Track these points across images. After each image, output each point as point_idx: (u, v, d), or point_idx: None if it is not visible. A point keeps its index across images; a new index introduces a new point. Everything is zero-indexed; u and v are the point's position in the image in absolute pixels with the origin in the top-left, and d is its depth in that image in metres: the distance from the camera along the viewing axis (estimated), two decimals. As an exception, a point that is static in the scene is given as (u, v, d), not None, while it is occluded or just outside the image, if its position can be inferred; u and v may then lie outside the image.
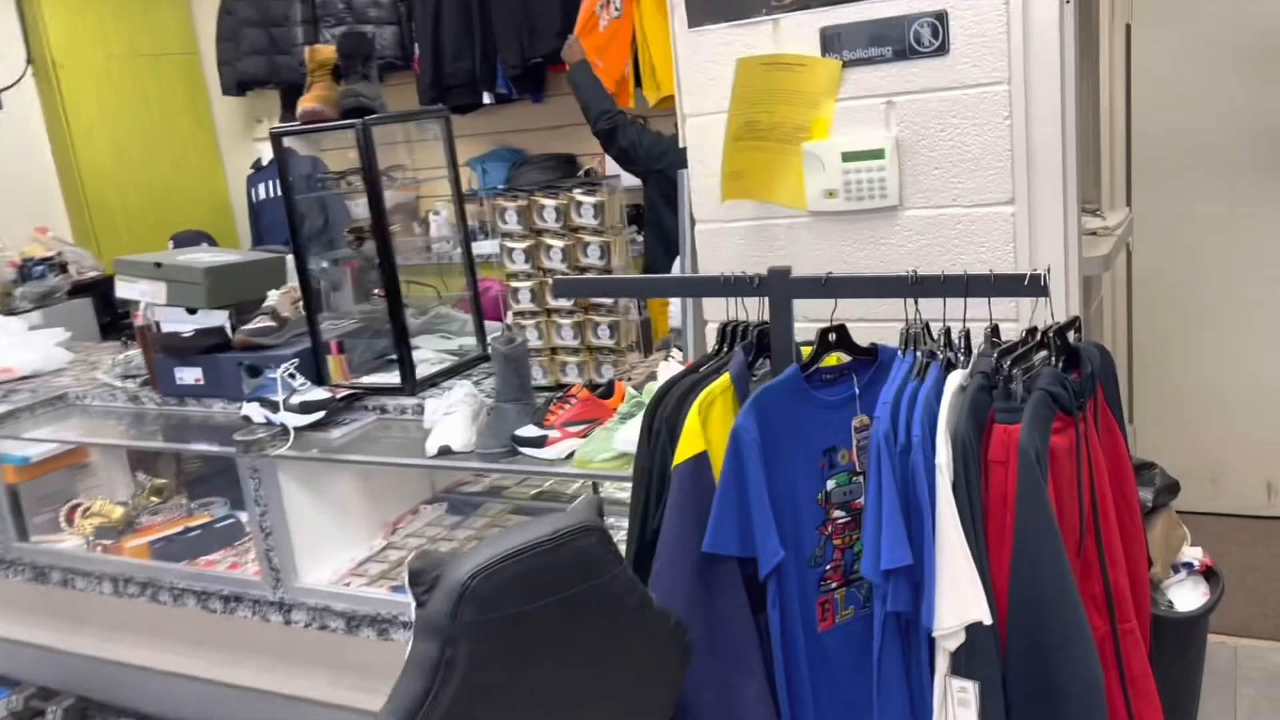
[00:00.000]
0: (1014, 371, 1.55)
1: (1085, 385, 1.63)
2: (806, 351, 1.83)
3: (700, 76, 2.00)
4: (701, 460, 1.69)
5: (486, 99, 5.17)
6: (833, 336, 1.74)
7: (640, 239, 3.90)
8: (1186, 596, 2.10)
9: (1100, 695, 1.52)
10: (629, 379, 2.33)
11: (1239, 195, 3.38)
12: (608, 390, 2.19)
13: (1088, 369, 1.64)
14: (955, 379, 1.59)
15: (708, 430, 1.70)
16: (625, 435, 1.95)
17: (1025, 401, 1.54)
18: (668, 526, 1.69)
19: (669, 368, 1.98)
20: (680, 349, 2.29)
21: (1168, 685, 1.76)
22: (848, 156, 1.89)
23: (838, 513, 1.76)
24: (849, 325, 1.75)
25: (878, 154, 1.87)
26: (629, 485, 1.84)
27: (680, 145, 2.07)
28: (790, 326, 1.75)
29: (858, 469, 1.76)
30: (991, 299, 1.60)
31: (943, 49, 1.79)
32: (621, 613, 1.37)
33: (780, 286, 1.74)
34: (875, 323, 1.94)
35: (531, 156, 5.59)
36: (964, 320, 1.65)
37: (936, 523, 1.51)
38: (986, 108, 1.77)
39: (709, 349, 2.11)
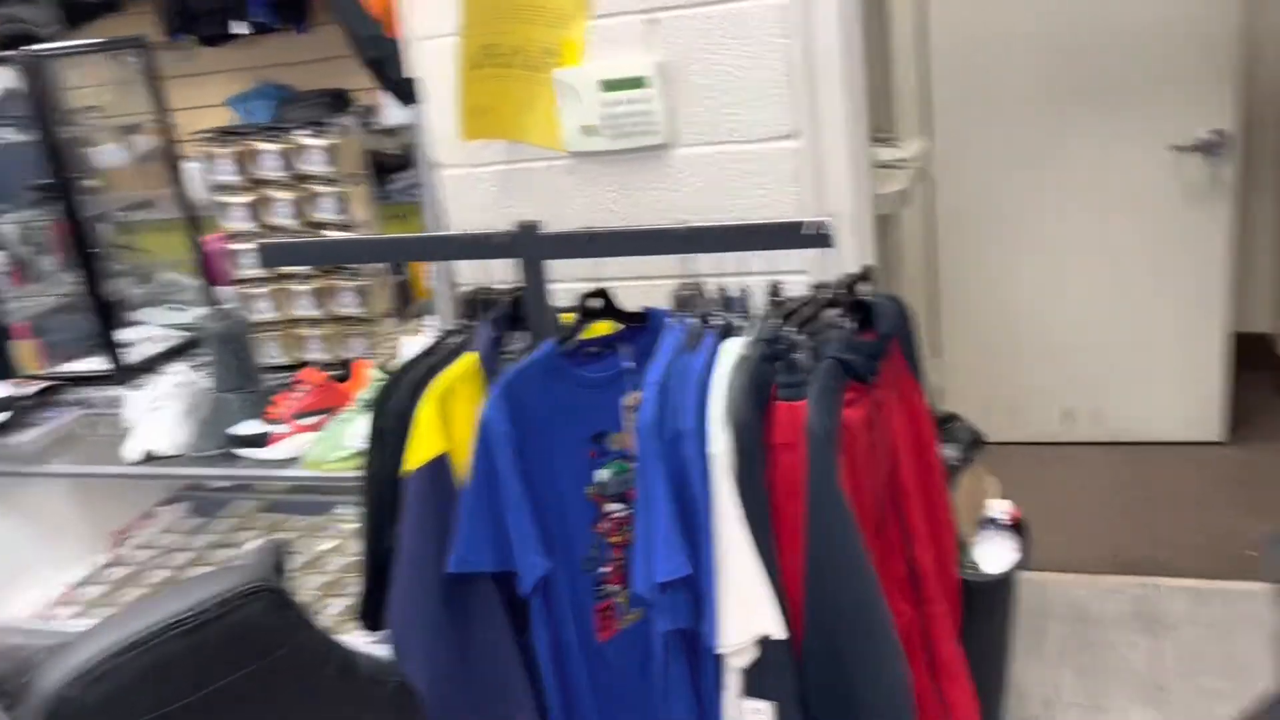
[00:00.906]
0: (799, 337, 1.31)
1: (879, 346, 1.42)
2: (569, 321, 1.55)
3: (426, -11, 1.66)
4: (441, 464, 1.39)
5: (238, 29, 4.59)
6: (596, 302, 1.47)
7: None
8: (994, 555, 1.97)
9: (907, 700, 1.34)
10: (375, 355, 1.99)
11: (1044, 119, 3.30)
12: (346, 372, 1.86)
13: (882, 327, 1.43)
14: (733, 349, 1.34)
15: (449, 425, 1.41)
16: (363, 429, 1.62)
17: (813, 372, 1.31)
18: (404, 546, 1.39)
19: (413, 342, 1.67)
20: (434, 316, 1.97)
21: (977, 649, 1.62)
22: (607, 85, 1.60)
23: (613, 506, 1.51)
24: (618, 286, 1.49)
25: (639, 82, 1.58)
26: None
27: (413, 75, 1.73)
28: (544, 291, 1.47)
29: (632, 453, 1.50)
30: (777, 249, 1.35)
31: (707, -45, 1.51)
32: (318, 688, 1.08)
33: (531, 245, 1.45)
34: (649, 281, 1.68)
35: (300, 93, 5.04)
36: (756, 276, 1.41)
37: (717, 523, 1.27)
38: (761, 26, 1.51)
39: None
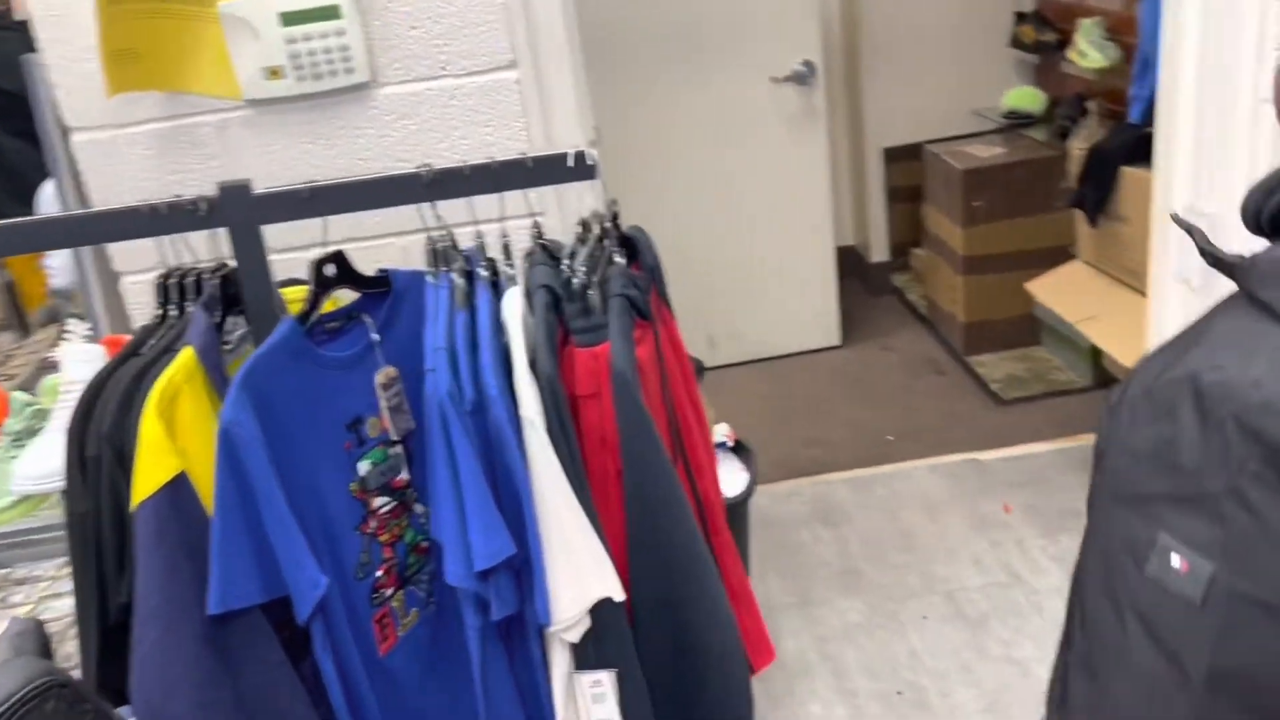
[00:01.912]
0: (586, 279, 1.21)
1: (649, 279, 1.35)
2: (291, 296, 1.33)
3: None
4: (179, 486, 1.13)
5: None
6: (331, 269, 1.26)
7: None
8: (730, 477, 2.01)
9: (738, 634, 1.31)
10: (9, 379, 1.59)
11: (662, 62, 3.38)
12: (-22, 401, 1.46)
13: (648, 260, 1.36)
14: (516, 300, 1.21)
15: (179, 437, 1.14)
16: (29, 468, 1.28)
17: (604, 314, 1.22)
18: (146, 594, 1.11)
19: (77, 351, 1.34)
20: (82, 318, 1.61)
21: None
22: (290, 18, 1.36)
23: (379, 500, 1.32)
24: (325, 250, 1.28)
25: (330, 12, 1.37)
26: (54, 545, 1.21)
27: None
28: (266, 264, 1.23)
29: (393, 437, 1.33)
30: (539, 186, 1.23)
31: None
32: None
33: (242, 210, 1.20)
34: (369, 241, 1.48)
35: None
36: (502, 219, 1.27)
37: (539, 491, 1.15)
38: (466, -57, 1.37)
39: (141, 314, 1.49)
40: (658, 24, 3.36)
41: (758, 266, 3.72)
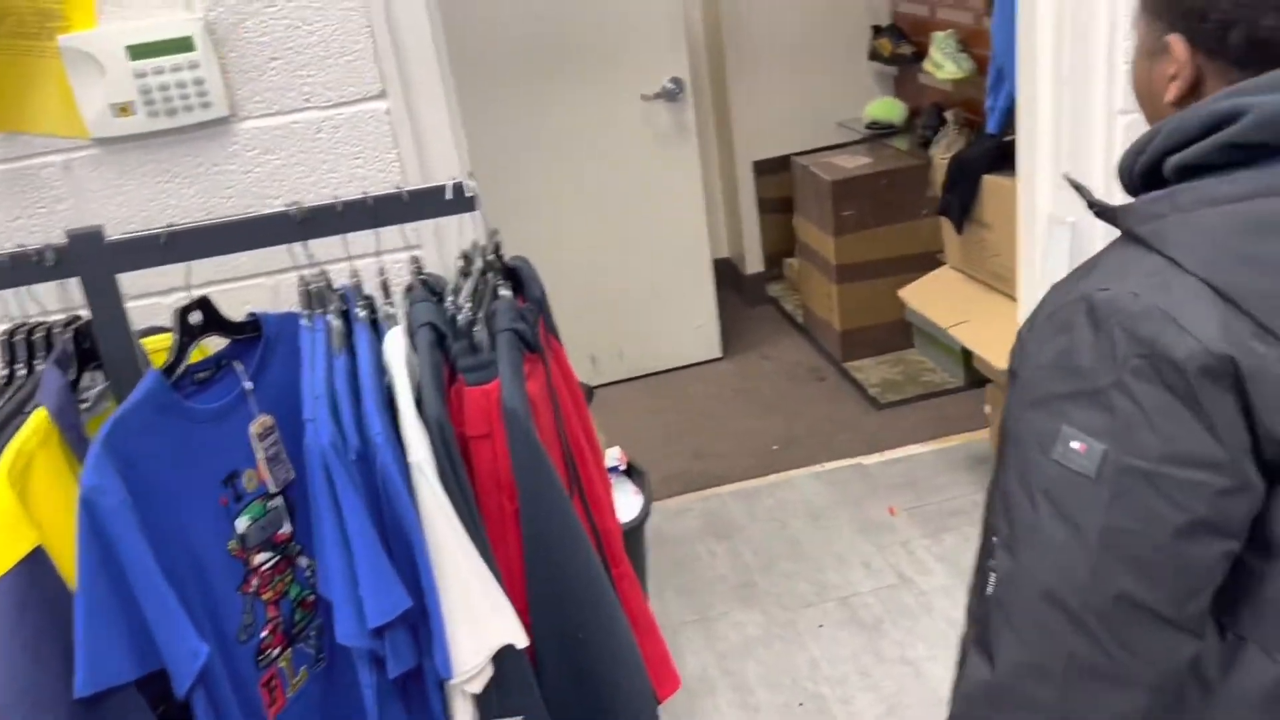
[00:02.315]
0: (473, 315, 1.17)
1: (536, 311, 1.32)
2: (153, 346, 1.25)
3: None
4: (37, 560, 1.04)
5: None
6: (196, 316, 1.19)
7: None
8: (625, 501, 1.99)
9: (643, 667, 1.29)
10: None
11: (535, 83, 3.34)
12: None
13: (534, 291, 1.33)
14: (398, 340, 1.16)
15: (33, 507, 1.05)
16: None
17: (493, 350, 1.18)
18: (6, 682, 1.02)
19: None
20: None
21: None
22: (138, 51, 1.28)
23: (260, 557, 1.25)
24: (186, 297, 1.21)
25: (182, 44, 1.29)
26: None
27: None
28: (124, 315, 1.15)
29: (272, 489, 1.26)
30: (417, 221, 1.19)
31: (246, -113, 1.27)
32: None
33: (95, 258, 1.12)
34: (236, 282, 1.41)
35: None
36: (378, 256, 1.22)
37: (433, 539, 1.10)
38: (326, -31, 1.31)
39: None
40: (526, 45, 3.32)
41: (637, 283, 3.72)
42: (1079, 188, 0.92)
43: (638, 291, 3.73)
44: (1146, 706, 0.84)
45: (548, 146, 3.46)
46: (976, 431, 3.11)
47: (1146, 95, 0.91)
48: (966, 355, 3.28)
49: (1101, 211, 0.88)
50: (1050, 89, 1.55)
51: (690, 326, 3.83)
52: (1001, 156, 2.50)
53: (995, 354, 2.53)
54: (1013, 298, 2.65)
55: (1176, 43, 0.84)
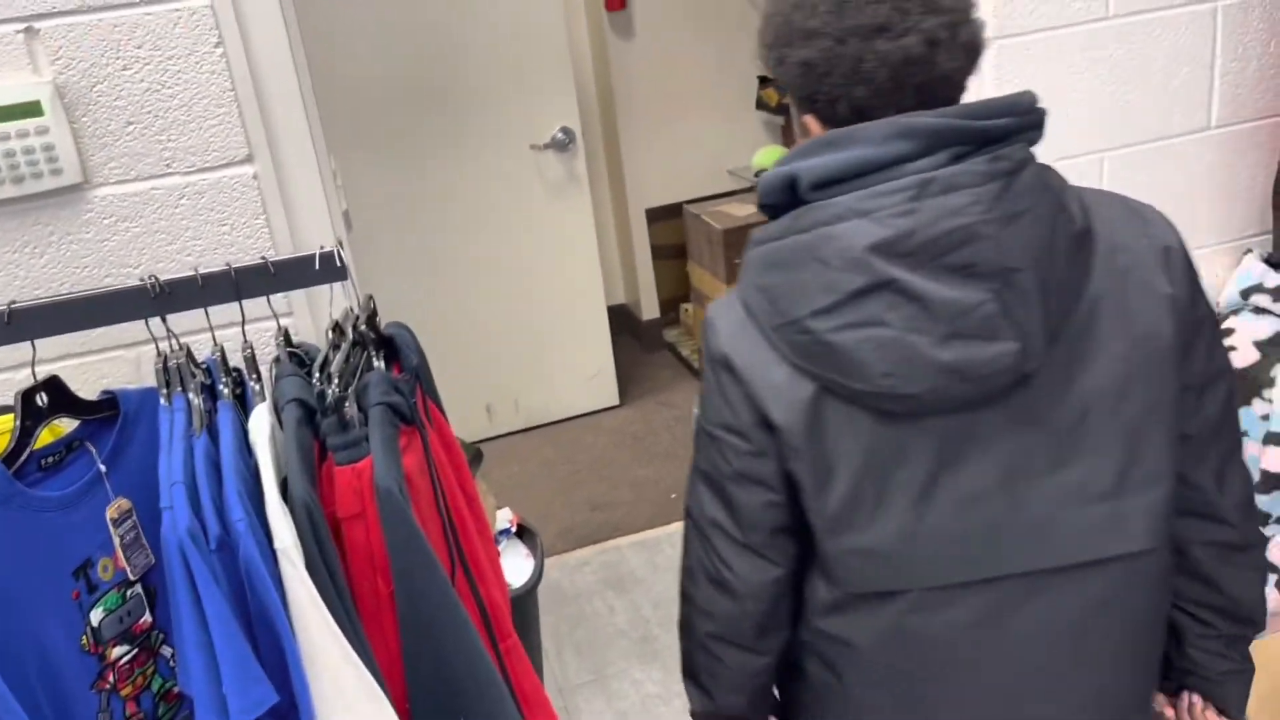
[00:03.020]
0: (340, 390, 1.13)
1: (413, 382, 1.28)
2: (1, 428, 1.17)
3: None
4: None
5: None
6: (43, 398, 1.12)
7: None
8: (516, 565, 1.95)
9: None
10: None
11: (419, 137, 3.30)
12: None
13: (410, 360, 1.29)
14: (263, 419, 1.11)
15: None
16: None
17: (364, 426, 1.14)
18: None
19: None
20: None
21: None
22: (-19, 116, 1.22)
23: (118, 651, 1.18)
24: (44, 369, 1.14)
25: (31, 109, 1.23)
26: None
27: None
28: (-39, 399, 1.07)
29: (130, 577, 1.19)
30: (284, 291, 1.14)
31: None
32: None
33: (-74, 340, 1.04)
34: (92, 356, 1.34)
35: None
36: (243, 329, 1.17)
37: (300, 628, 1.05)
38: (185, 32, 1.26)
39: None
40: (408, 97, 3.29)
41: (532, 332, 3.69)
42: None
43: (533, 341, 3.69)
44: (748, 611, 1.12)
45: (435, 199, 3.42)
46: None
47: None
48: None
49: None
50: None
51: (586, 375, 3.81)
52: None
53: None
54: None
55: (809, 121, 1.03)
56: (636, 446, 3.63)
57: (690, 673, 1.25)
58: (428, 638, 1.14)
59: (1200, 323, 1.05)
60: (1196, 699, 1.22)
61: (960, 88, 1.00)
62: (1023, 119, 0.96)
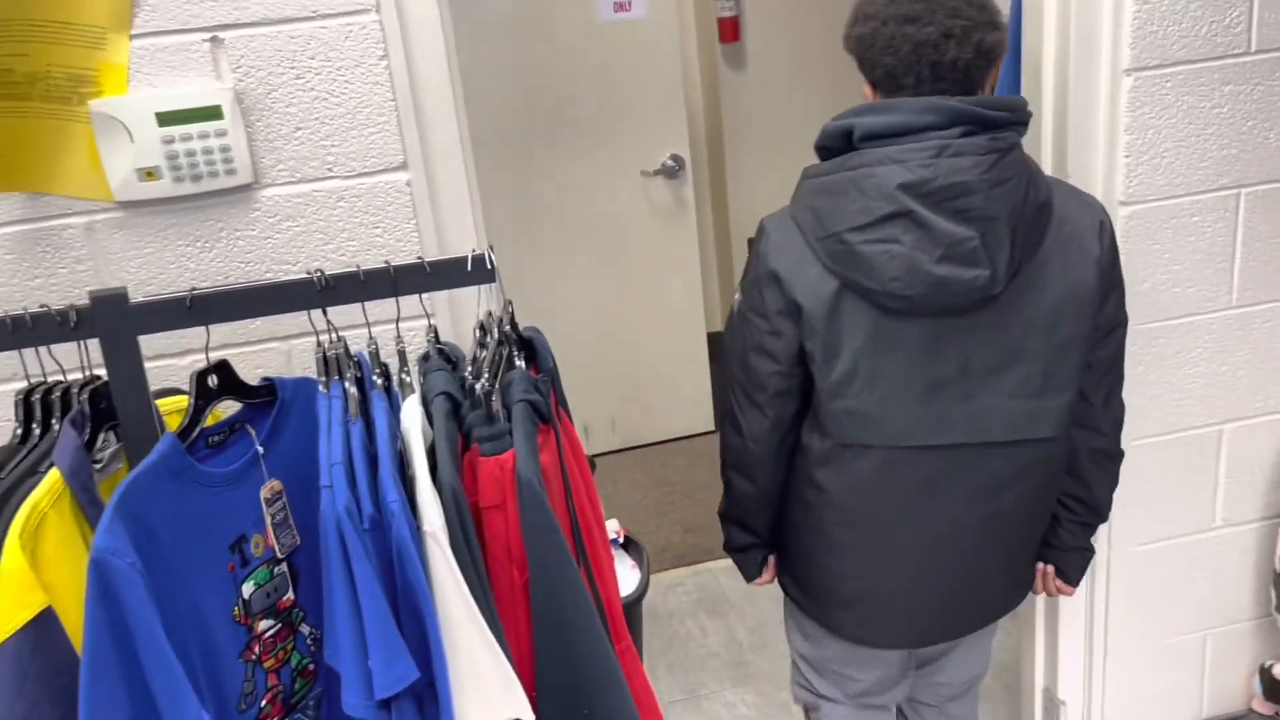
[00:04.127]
0: (488, 385, 1.18)
1: (549, 382, 1.33)
2: (167, 409, 1.25)
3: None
4: (45, 621, 1.03)
5: None
6: (214, 380, 1.19)
7: None
8: (622, 575, 1.98)
9: (646, 745, 1.28)
10: None
11: (536, 159, 3.40)
12: None
13: (547, 362, 1.35)
14: (414, 409, 1.17)
15: (42, 569, 1.04)
16: None
17: (507, 420, 1.19)
18: (4, 747, 1.00)
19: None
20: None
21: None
22: (167, 118, 1.31)
23: (264, 624, 1.24)
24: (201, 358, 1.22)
25: (212, 113, 1.32)
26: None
27: None
28: (143, 377, 1.16)
29: (278, 554, 1.25)
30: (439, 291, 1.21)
31: (281, -36, 1.30)
32: None
33: (117, 320, 1.13)
34: (250, 346, 1.42)
35: None
36: (397, 324, 1.24)
37: (442, 609, 1.10)
38: (355, 45, 1.34)
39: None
40: (532, 118, 3.39)
41: (632, 354, 3.74)
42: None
43: (633, 363, 3.75)
44: (750, 449, 1.52)
45: (548, 219, 3.51)
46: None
47: None
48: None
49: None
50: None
51: (684, 398, 3.84)
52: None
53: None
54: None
55: (868, 90, 1.40)
56: (731, 472, 3.64)
57: (721, 508, 1.69)
58: (559, 629, 1.18)
59: (1116, 282, 1.43)
60: (1050, 569, 1.63)
61: (970, 76, 1.33)
62: (1015, 115, 1.32)
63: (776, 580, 1.73)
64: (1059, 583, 1.64)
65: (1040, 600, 1.92)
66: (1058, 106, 1.55)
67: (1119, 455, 1.56)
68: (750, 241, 1.51)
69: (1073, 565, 1.62)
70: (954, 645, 1.69)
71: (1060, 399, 1.40)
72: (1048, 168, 1.60)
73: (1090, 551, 1.63)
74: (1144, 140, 1.55)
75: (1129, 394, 1.55)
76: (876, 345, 1.36)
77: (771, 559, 1.71)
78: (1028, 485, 1.46)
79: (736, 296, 1.50)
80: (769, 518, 1.62)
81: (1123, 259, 1.57)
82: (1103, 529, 1.77)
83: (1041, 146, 1.59)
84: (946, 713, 1.81)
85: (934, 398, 1.38)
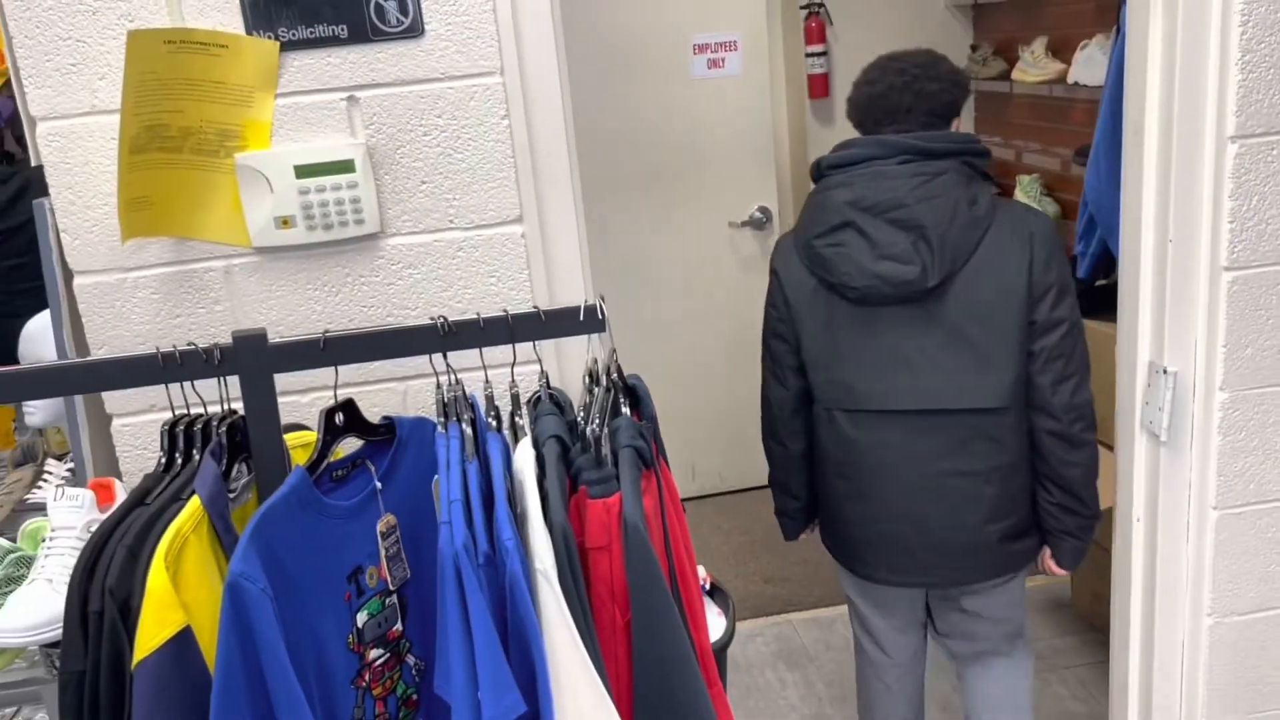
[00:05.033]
0: (598, 430, 1.23)
1: (652, 428, 1.38)
2: (292, 443, 1.32)
3: (53, 58, 1.35)
4: (183, 641, 1.10)
5: None
6: (340, 417, 1.26)
7: None
8: (709, 621, 2.00)
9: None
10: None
11: (628, 208, 3.49)
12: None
13: (650, 408, 1.39)
14: (527, 451, 1.22)
15: (182, 590, 1.11)
16: (12, 620, 1.22)
17: (613, 465, 1.23)
18: (140, 759, 1.07)
19: (65, 496, 1.30)
20: (60, 459, 1.57)
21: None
22: (304, 171, 1.40)
23: (374, 653, 1.30)
24: (323, 397, 1.30)
25: (345, 166, 1.41)
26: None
27: (34, 164, 1.38)
28: (277, 413, 1.23)
29: (390, 586, 1.31)
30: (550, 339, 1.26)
31: (414, 30, 1.39)
32: None
33: (256, 359, 1.21)
34: (369, 386, 1.49)
35: None
36: (512, 369, 1.30)
37: (550, 646, 1.14)
38: (479, 105, 1.42)
39: (131, 458, 1.47)
40: (625, 169, 3.48)
41: (713, 401, 3.77)
42: None
43: (714, 409, 3.78)
44: (775, 415, 1.97)
45: (638, 265, 3.59)
46: (1056, 573, 3.06)
47: None
48: (1046, 495, 3.24)
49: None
50: (1154, 244, 1.60)
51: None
52: (1092, 302, 2.53)
53: (1081, 496, 2.50)
54: (1100, 441, 2.64)
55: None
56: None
57: (769, 476, 2.09)
58: (659, 670, 1.21)
59: (1051, 284, 1.73)
60: (1046, 549, 1.92)
61: (919, 116, 1.78)
62: (961, 146, 1.74)
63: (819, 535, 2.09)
64: (1050, 563, 1.93)
65: (1135, 670, 1.88)
66: (1161, 170, 1.56)
67: (1081, 442, 1.79)
68: None
69: (1063, 551, 1.89)
70: (961, 601, 2.00)
71: (999, 376, 1.75)
72: (1149, 229, 1.60)
73: (1082, 542, 1.86)
74: (1249, 206, 1.55)
75: (1230, 458, 1.53)
76: (844, 328, 1.79)
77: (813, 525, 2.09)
78: (984, 448, 1.80)
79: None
80: (804, 477, 1.98)
81: (1224, 323, 1.56)
82: (1203, 597, 1.74)
83: (1143, 208, 1.59)
84: (986, 664, 2.08)
85: (891, 372, 1.78)
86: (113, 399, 1.45)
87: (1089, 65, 2.90)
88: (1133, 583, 1.79)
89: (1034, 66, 3.28)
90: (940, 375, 1.76)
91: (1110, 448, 1.87)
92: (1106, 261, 2.54)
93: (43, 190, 1.36)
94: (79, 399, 1.45)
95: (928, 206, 1.68)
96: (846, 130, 1.90)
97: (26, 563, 1.31)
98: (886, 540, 1.88)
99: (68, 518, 1.30)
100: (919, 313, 1.74)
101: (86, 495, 1.32)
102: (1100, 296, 2.55)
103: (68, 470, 1.56)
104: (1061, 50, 3.24)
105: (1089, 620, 2.82)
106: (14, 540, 1.36)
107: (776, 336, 1.89)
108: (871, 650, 2.12)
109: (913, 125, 1.77)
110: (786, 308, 1.84)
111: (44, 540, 1.31)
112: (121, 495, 1.36)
